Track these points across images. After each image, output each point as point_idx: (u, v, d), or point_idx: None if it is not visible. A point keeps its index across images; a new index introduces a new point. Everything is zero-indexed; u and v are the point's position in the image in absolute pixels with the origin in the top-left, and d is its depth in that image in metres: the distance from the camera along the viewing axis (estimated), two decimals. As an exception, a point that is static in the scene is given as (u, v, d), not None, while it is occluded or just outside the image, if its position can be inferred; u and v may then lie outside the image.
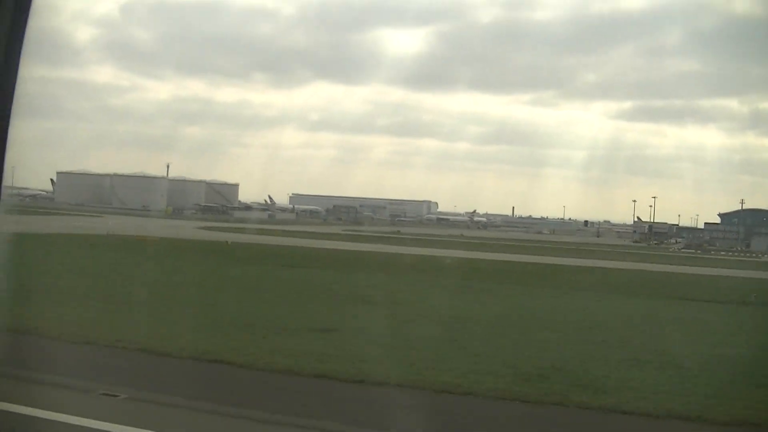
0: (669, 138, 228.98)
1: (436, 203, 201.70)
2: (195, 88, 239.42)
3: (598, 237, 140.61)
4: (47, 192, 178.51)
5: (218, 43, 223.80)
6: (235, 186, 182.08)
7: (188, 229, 72.64)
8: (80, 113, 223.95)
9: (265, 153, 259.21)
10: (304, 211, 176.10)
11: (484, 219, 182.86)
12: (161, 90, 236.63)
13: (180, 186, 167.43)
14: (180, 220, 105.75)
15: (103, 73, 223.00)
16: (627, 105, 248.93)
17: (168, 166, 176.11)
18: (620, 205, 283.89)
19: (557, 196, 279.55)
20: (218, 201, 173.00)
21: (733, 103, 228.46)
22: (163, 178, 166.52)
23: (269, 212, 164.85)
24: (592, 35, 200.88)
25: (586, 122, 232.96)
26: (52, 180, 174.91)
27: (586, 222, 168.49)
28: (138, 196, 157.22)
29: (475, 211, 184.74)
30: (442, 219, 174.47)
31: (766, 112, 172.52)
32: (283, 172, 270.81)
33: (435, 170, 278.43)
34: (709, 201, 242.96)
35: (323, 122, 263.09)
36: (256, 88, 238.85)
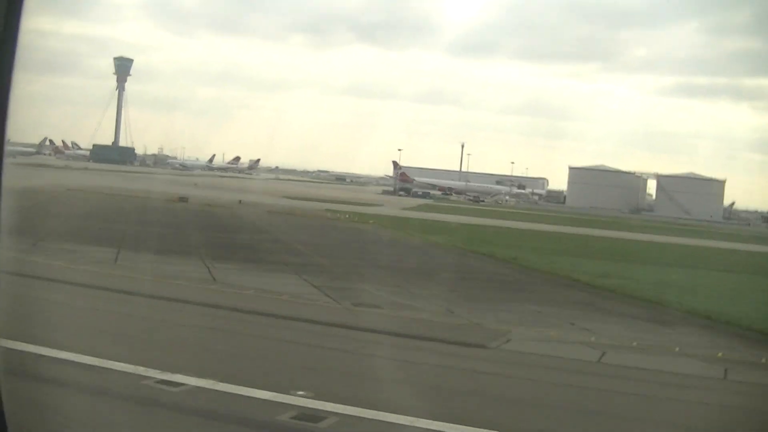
0: (695, 115, 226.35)
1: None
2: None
3: None
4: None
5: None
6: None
7: None
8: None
9: (272, 116, 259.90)
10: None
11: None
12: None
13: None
14: None
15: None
16: (668, 81, 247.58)
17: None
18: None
19: (552, 169, 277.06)
20: None
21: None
22: (716, 180, 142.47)
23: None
24: (659, 10, 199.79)
25: (617, 97, 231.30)
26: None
27: None
28: (699, 201, 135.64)
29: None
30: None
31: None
32: (282, 137, 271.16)
33: (448, 138, 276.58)
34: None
35: (347, 87, 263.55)
36: (292, 50, 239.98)
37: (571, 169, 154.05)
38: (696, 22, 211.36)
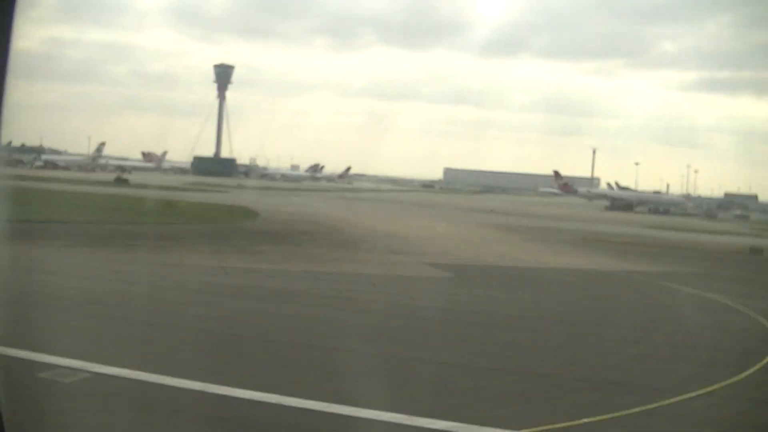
0: (715, 109, 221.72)
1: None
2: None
3: None
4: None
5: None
6: None
7: None
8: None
9: (291, 119, 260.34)
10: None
11: None
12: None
13: None
14: None
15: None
16: (691, 76, 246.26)
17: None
18: (642, 174, 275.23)
19: (574, 163, 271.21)
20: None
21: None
22: None
23: None
24: (693, 3, 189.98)
25: (638, 92, 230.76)
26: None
27: None
28: None
29: None
30: None
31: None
32: (297, 140, 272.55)
33: (477, 139, 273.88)
34: (724, 171, 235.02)
35: (369, 89, 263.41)
36: (314, 53, 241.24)
37: None
38: (728, 16, 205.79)
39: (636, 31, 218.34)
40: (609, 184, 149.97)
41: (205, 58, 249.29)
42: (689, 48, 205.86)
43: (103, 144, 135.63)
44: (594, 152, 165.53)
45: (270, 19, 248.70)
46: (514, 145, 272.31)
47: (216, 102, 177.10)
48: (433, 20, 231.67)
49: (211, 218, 46.74)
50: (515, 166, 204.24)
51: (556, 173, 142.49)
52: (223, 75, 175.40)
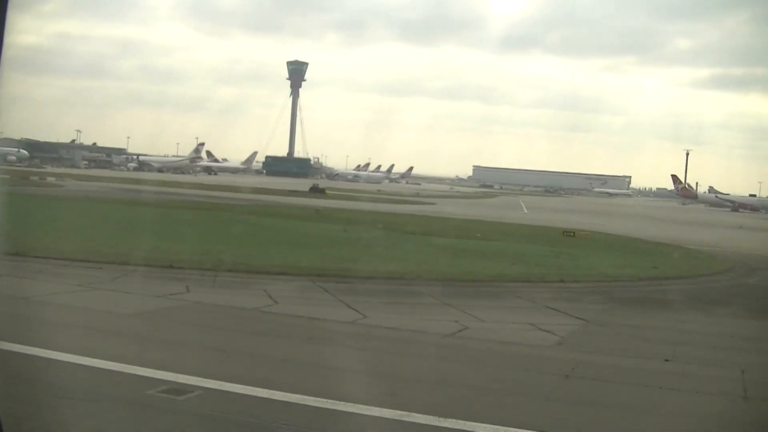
0: (723, 105, 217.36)
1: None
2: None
3: None
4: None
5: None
6: None
7: None
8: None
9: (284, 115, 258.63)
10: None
11: None
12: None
13: None
14: None
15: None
16: (704, 72, 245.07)
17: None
18: (641, 169, 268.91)
19: (572, 158, 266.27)
20: None
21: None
22: None
23: None
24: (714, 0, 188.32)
25: (647, 89, 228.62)
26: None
27: None
28: None
29: None
30: None
31: None
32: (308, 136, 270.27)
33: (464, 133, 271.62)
34: (727, 168, 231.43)
35: (373, 84, 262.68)
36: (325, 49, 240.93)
37: None
38: (747, 13, 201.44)
39: (650, 28, 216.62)
40: (715, 191, 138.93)
41: (217, 52, 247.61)
42: (703, 45, 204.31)
43: (202, 144, 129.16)
44: (687, 154, 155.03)
45: (281, 15, 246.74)
46: (534, 142, 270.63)
47: (290, 99, 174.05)
48: (445, 17, 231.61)
49: (691, 261, 29.32)
50: (543, 165, 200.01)
51: (674, 177, 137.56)
52: (297, 72, 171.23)
